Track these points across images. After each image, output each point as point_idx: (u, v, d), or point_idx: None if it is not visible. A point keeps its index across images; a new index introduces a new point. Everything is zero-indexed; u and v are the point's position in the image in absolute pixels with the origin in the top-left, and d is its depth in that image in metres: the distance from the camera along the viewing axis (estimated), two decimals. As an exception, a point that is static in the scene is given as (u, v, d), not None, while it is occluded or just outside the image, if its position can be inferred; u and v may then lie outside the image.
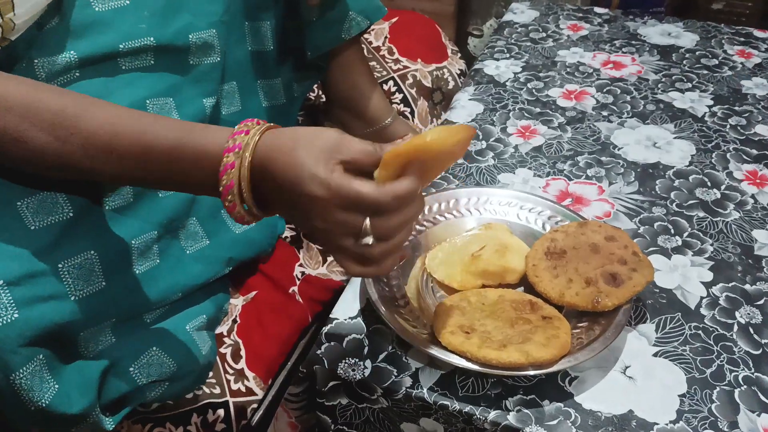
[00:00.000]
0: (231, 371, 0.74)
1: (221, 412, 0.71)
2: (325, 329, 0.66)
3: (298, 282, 0.83)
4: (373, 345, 0.64)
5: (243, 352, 0.74)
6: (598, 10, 1.30)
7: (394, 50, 1.21)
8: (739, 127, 0.94)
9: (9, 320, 0.53)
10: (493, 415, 0.58)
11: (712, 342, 0.64)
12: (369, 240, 0.50)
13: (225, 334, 0.75)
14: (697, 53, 1.14)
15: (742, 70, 1.09)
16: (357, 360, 0.62)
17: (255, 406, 0.73)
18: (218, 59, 0.77)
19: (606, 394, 0.59)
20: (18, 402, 0.55)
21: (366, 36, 1.21)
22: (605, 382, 0.60)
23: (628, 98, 1.01)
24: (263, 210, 0.54)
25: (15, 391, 0.54)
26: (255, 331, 0.77)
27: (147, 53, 0.70)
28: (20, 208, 0.57)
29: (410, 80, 1.18)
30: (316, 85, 1.11)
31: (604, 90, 1.04)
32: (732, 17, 1.49)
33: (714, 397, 0.59)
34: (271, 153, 0.50)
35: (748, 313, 0.67)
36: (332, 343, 0.64)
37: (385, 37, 1.23)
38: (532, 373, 0.58)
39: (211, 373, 0.73)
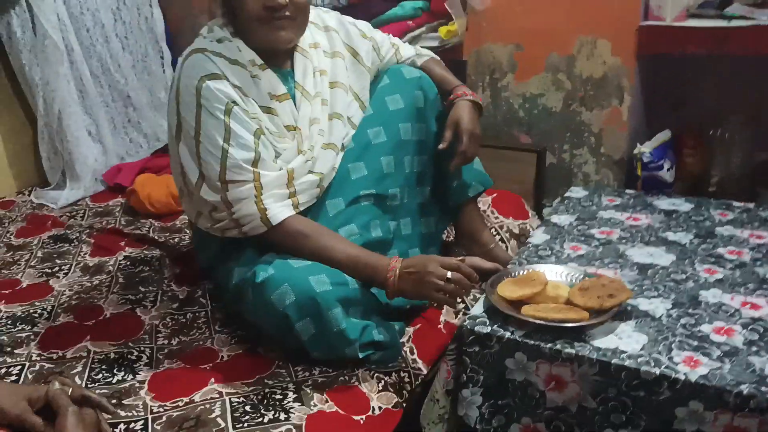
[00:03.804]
0: None
1: None
2: None
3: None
4: None
5: None
6: (628, 190, 2.00)
7: (495, 211, 1.95)
8: None
9: (327, 289, 1.25)
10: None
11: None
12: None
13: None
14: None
15: None
16: None
17: None
18: (402, 202, 1.54)
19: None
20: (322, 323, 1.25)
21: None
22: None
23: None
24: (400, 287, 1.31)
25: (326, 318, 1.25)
26: None
27: (368, 198, 1.48)
28: None
29: (505, 229, 1.90)
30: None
31: (636, 238, 1.69)
32: None
33: None
34: (408, 265, 1.30)
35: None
36: None
37: (489, 205, 1.98)
38: (570, 325, 1.20)
39: None
